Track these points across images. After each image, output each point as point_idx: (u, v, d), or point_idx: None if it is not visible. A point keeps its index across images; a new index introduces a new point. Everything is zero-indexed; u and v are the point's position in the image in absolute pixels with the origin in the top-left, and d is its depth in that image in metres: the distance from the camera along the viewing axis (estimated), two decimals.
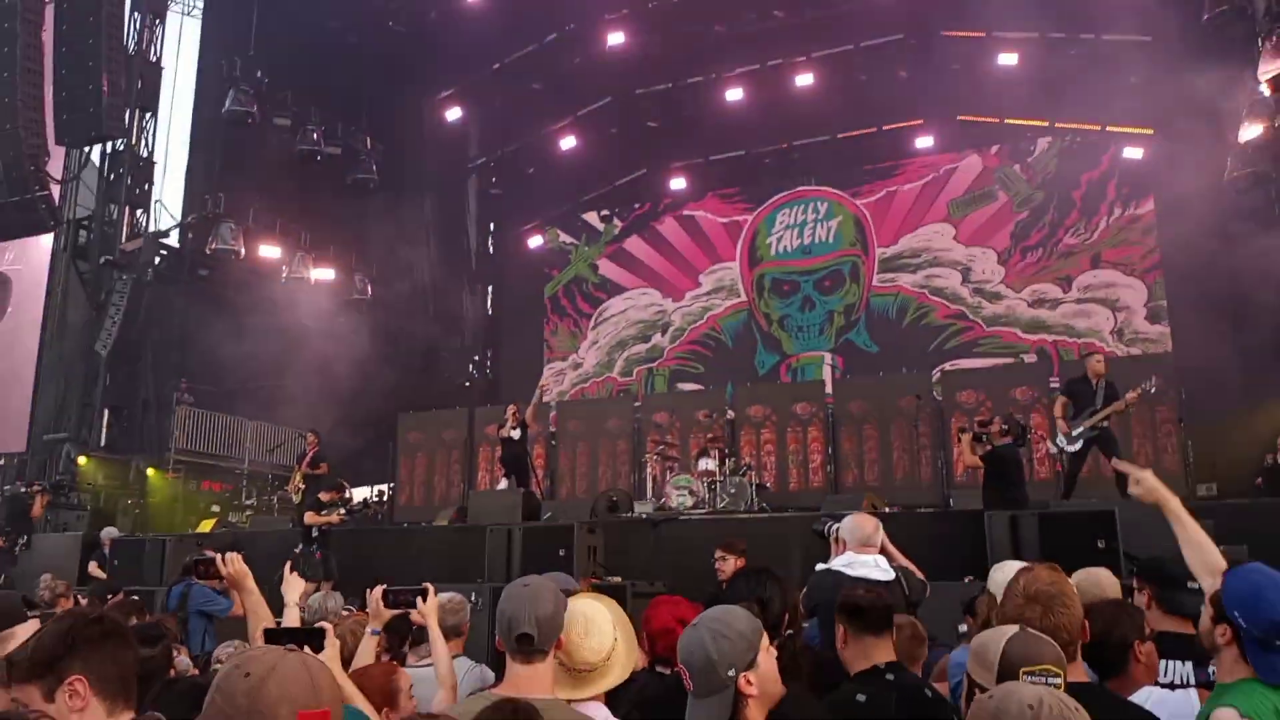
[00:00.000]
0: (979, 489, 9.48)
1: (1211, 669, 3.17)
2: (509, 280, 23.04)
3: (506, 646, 2.53)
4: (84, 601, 7.47)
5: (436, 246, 21.02)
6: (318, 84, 18.40)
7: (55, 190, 15.86)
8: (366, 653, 3.67)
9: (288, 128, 18.06)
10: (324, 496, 10.19)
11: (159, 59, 17.75)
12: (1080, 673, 2.76)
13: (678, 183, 21.04)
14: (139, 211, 17.31)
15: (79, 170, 17.24)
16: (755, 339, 19.94)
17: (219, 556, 3.77)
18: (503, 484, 12.06)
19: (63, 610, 3.99)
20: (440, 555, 10.43)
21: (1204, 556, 2.89)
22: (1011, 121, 18.43)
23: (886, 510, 10.67)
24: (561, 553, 8.22)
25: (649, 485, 13.10)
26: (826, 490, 13.67)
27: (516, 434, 12.48)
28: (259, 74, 17.62)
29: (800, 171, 20.15)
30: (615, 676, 2.68)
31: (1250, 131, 14.59)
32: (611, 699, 3.15)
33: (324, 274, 18.35)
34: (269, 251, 17.86)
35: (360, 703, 2.94)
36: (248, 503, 15.62)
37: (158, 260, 16.94)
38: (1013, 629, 2.33)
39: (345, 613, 5.11)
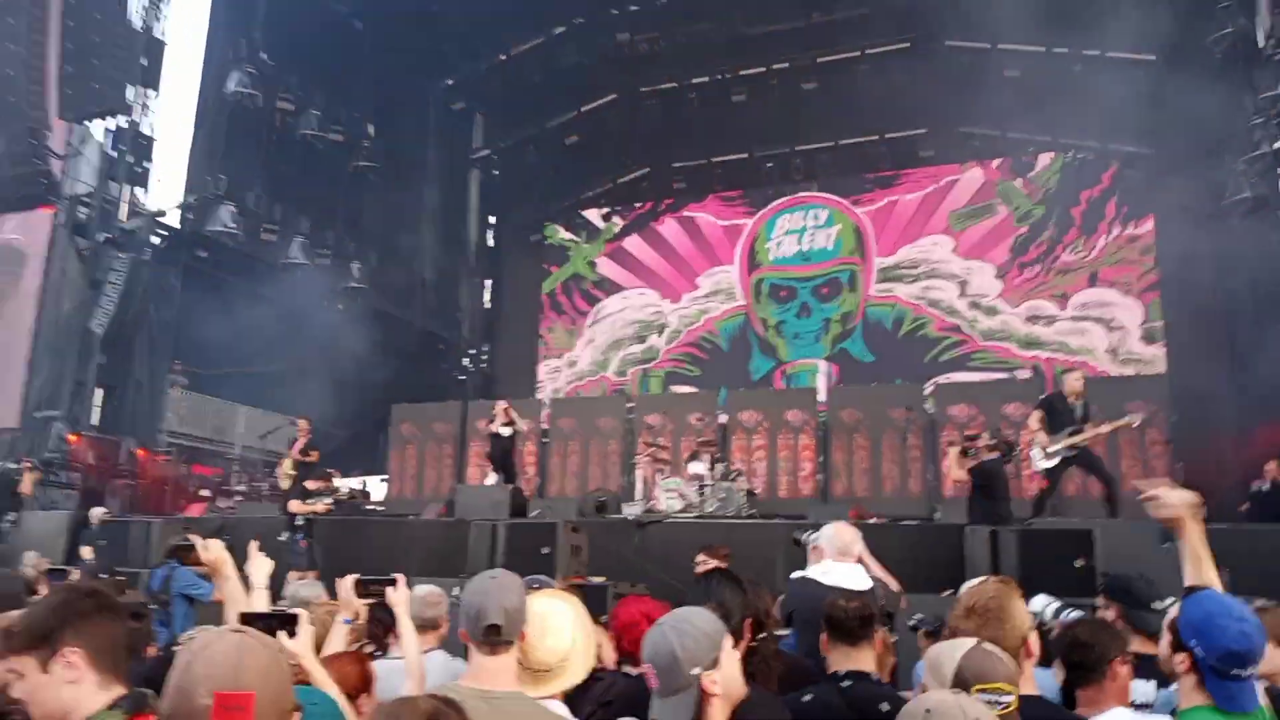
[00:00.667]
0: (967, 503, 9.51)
1: (1173, 688, 3.22)
2: (508, 275, 23.02)
3: (472, 638, 2.55)
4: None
5: (436, 238, 21.02)
6: (323, 69, 18.39)
7: (56, 165, 15.84)
8: (336, 642, 3.68)
9: (291, 111, 18.04)
10: (310, 485, 10.19)
11: (164, 35, 17.70)
12: (1031, 685, 2.80)
13: (680, 183, 21.05)
14: (139, 190, 17.24)
15: (81, 146, 17.19)
16: (751, 344, 19.95)
17: (200, 542, 3.79)
18: (491, 479, 12.08)
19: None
20: (426, 548, 10.43)
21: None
22: (1014, 135, 18.45)
23: (871, 521, 10.69)
24: (545, 550, 8.25)
25: (639, 486, 13.11)
26: (816, 498, 13.70)
27: (506, 431, 12.52)
28: (264, 56, 17.60)
29: (802, 177, 20.15)
30: (572, 677, 2.70)
31: (1249, 154, 14.63)
32: (577, 697, 3.19)
33: (322, 260, 18.33)
34: (268, 235, 17.84)
35: (331, 689, 2.96)
36: (237, 488, 15.61)
37: (156, 240, 16.89)
38: (969, 643, 2.35)
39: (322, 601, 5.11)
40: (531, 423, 14.93)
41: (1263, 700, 2.46)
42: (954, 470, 9.54)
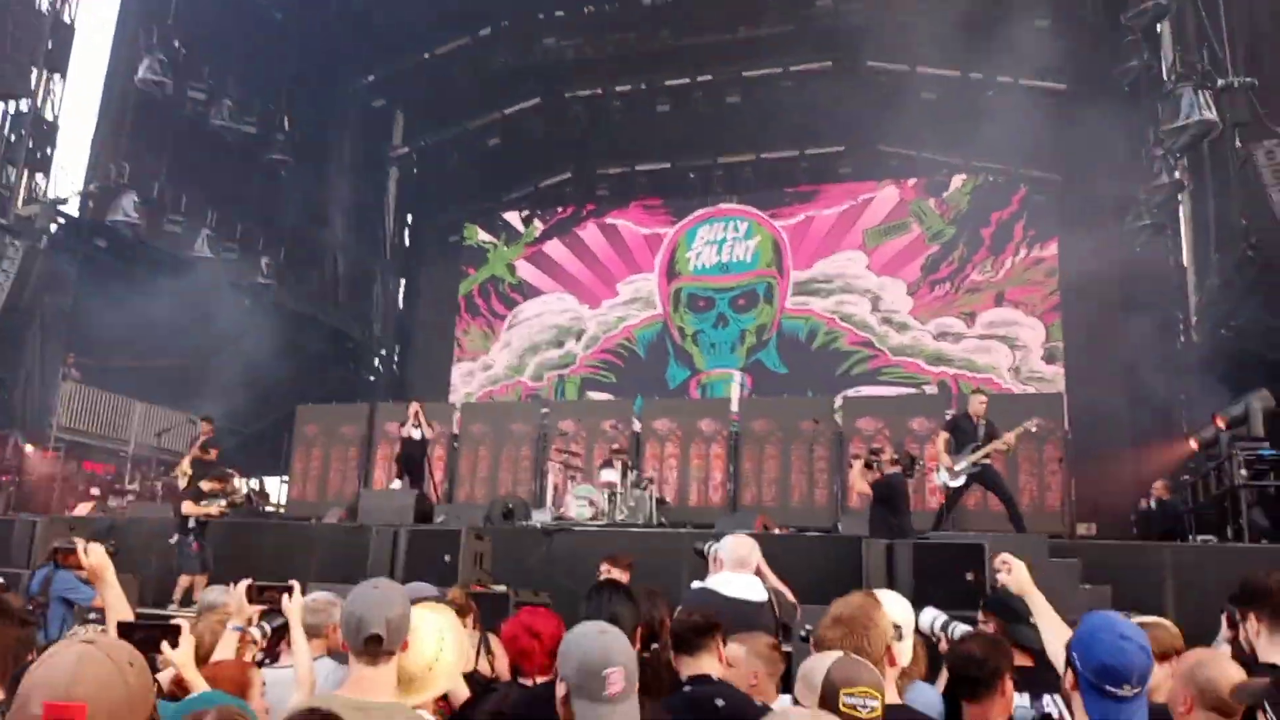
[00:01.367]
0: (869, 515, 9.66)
1: (1046, 701, 3.29)
2: (423, 275, 22.69)
3: (352, 648, 2.53)
4: None
5: (350, 235, 20.61)
6: (237, 59, 17.87)
7: None
8: (227, 649, 3.61)
9: (202, 101, 17.49)
10: (205, 486, 9.84)
11: (73, 20, 17.03)
12: (894, 694, 2.89)
13: (602, 189, 21.05)
14: (38, 175, 16.56)
15: None
16: (668, 352, 20.03)
17: (81, 545, 3.66)
18: (396, 484, 11.85)
19: None
20: (325, 553, 10.18)
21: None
22: (928, 156, 18.91)
23: (777, 532, 10.79)
24: (447, 558, 8.10)
25: (550, 493, 13.02)
26: (725, 508, 13.77)
27: (417, 434, 12.31)
28: (176, 43, 17.04)
29: (723, 189, 20.34)
30: (437, 687, 2.74)
31: (1150, 184, 15.25)
32: (469, 709, 3.16)
33: (229, 254, 17.79)
34: (172, 227, 17.24)
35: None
36: (130, 487, 15.02)
37: (54, 228, 16.20)
38: (838, 654, 2.38)
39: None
40: (443, 427, 14.69)
41: None
42: (858, 482, 9.72)
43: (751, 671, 3.49)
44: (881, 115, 17.52)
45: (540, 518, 11.66)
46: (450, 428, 15.48)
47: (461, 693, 3.43)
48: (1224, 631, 3.85)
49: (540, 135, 20.37)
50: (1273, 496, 10.11)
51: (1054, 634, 3.08)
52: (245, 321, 16.04)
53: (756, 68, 18.61)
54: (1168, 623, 3.61)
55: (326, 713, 2.13)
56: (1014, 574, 3.30)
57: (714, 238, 20.36)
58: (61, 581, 7.08)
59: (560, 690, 2.27)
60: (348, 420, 15.89)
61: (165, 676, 3.19)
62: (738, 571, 4.61)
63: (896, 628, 3.32)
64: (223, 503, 9.82)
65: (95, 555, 3.51)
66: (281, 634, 4.30)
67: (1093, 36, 16.08)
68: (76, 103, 17.57)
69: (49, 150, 16.67)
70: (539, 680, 3.23)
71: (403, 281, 22.78)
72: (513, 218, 21.92)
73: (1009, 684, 3.05)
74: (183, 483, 11.60)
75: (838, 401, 15.10)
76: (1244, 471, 10.17)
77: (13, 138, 16.27)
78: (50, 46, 16.39)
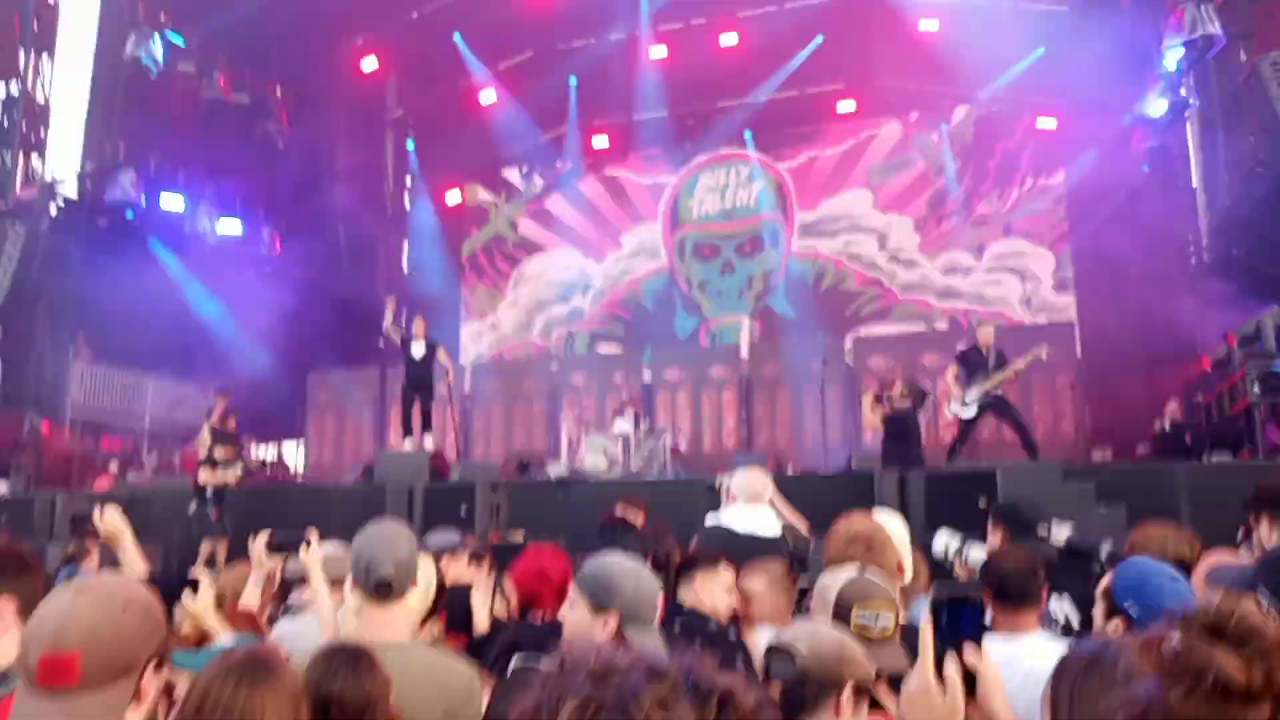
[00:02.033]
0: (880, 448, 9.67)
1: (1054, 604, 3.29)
2: (426, 237, 22.56)
3: (363, 590, 2.54)
4: None
5: (351, 202, 20.48)
6: (226, 29, 17.63)
7: None
8: (250, 600, 3.68)
9: (193, 75, 17.32)
10: (219, 455, 9.90)
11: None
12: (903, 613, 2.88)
13: (600, 141, 20.81)
14: (34, 157, 16.50)
15: None
16: (675, 302, 19.94)
17: (97, 511, 3.72)
18: (406, 444, 11.82)
19: None
20: (343, 514, 10.25)
21: None
22: (931, 88, 18.60)
23: (789, 471, 10.83)
24: (464, 510, 8.15)
25: (564, 446, 13.08)
26: (740, 452, 13.80)
27: (418, 351, 11.69)
28: (163, 17, 16.84)
29: (723, 134, 20.09)
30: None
31: (1156, 105, 15.00)
32: (483, 645, 3.21)
33: (230, 226, 17.75)
34: (172, 202, 17.19)
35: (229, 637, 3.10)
36: (148, 460, 15.16)
37: (54, 209, 16.17)
38: (852, 570, 2.37)
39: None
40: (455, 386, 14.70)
41: None
42: (868, 417, 9.71)
43: (776, 602, 3.53)
44: (881, 49, 17.23)
45: (555, 470, 11.73)
46: (462, 388, 15.52)
47: (480, 627, 3.49)
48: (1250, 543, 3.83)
49: (535, 89, 20.12)
50: None
51: None
52: (251, 292, 16.05)
53: (751, 7, 18.29)
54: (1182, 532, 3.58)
55: (356, 646, 2.14)
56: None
57: (716, 184, 20.18)
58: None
59: (611, 623, 2.30)
60: (359, 385, 15.96)
61: (188, 625, 3.24)
62: (751, 504, 4.62)
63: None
64: (238, 470, 9.89)
65: (111, 518, 3.58)
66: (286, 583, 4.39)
67: None
68: (67, 83, 17.45)
69: (43, 132, 16.60)
70: (547, 619, 3.32)
71: (406, 244, 22.67)
72: (513, 175, 21.76)
73: (1043, 595, 3.07)
74: (204, 453, 11.70)
75: (848, 343, 15.07)
76: (1257, 388, 10.12)
77: (5, 122, 16.19)
78: (36, 27, 16.26)
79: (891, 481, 7.93)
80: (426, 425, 11.86)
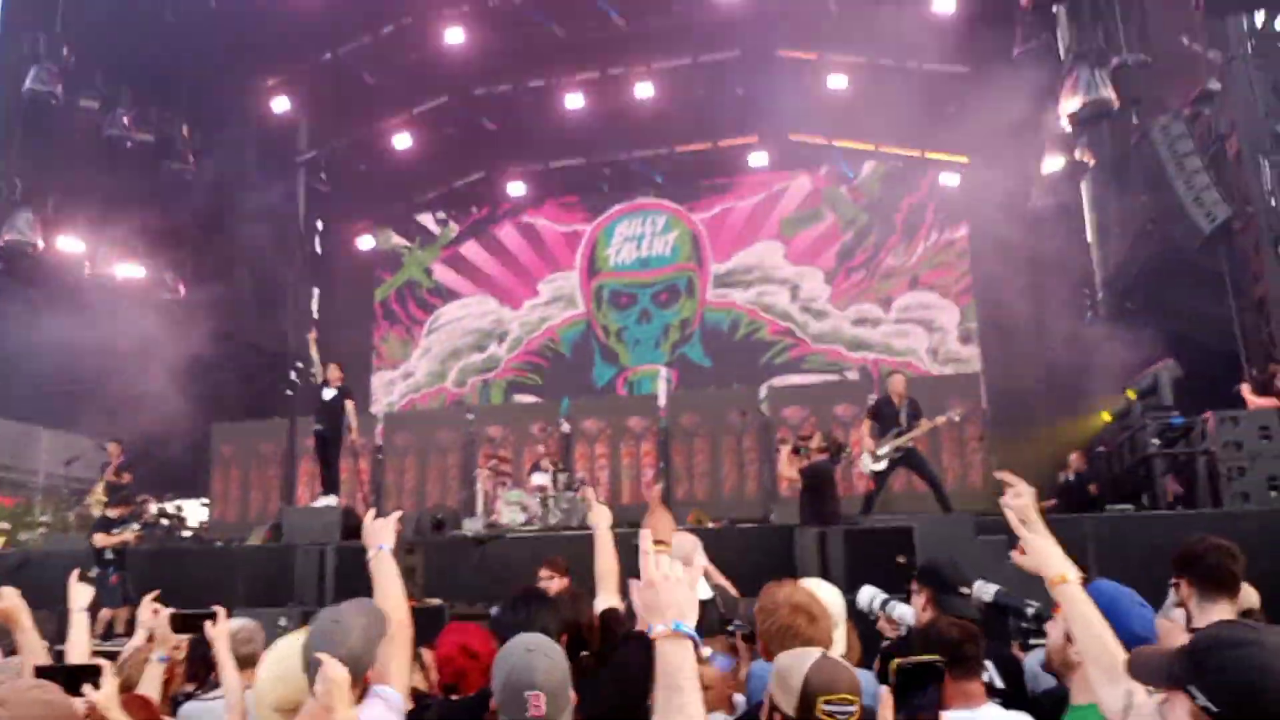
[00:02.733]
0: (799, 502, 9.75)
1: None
2: (337, 283, 22.13)
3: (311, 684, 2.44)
4: None
5: (259, 245, 19.96)
6: (131, 65, 17.13)
7: None
8: (151, 682, 3.53)
9: (95, 110, 16.73)
10: (112, 513, 9.43)
11: None
12: None
13: (516, 188, 20.81)
14: None
15: None
16: (593, 350, 19.93)
17: None
18: (323, 500, 11.48)
19: None
20: (250, 576, 9.88)
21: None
22: (840, 143, 19.15)
23: (710, 525, 10.83)
24: None
25: (480, 501, 12.84)
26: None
27: (330, 395, 11.56)
28: (65, 51, 16.27)
29: (639, 183, 20.31)
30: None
31: (1052, 163, 15.68)
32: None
33: (133, 270, 17.11)
34: (71, 244, 16.50)
35: None
36: (41, 519, 14.38)
37: None
38: (815, 653, 2.34)
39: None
40: (364, 439, 14.36)
41: None
42: (786, 469, 9.80)
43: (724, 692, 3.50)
44: (792, 104, 17.67)
45: (472, 526, 11.51)
46: (373, 439, 15.16)
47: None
48: (1171, 598, 3.91)
49: (450, 134, 20.04)
50: (1184, 463, 10.50)
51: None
52: (152, 338, 15.44)
53: (666, 59, 18.59)
54: None
55: None
56: (1022, 499, 2.65)
57: (632, 233, 20.33)
58: None
59: (492, 704, 2.30)
60: (266, 436, 15.45)
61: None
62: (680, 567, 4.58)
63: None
64: (135, 527, 9.44)
65: (8, 600, 3.40)
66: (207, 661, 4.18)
67: (991, 19, 16.40)
68: None
69: None
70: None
71: (315, 290, 22.17)
72: (427, 220, 21.56)
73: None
74: (97, 511, 11.16)
75: (763, 391, 15.23)
76: (1156, 440, 10.55)
77: None
78: None
79: (812, 537, 8.00)
80: (328, 476, 11.56)
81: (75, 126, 16.64)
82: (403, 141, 19.83)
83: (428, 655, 4.06)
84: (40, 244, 15.69)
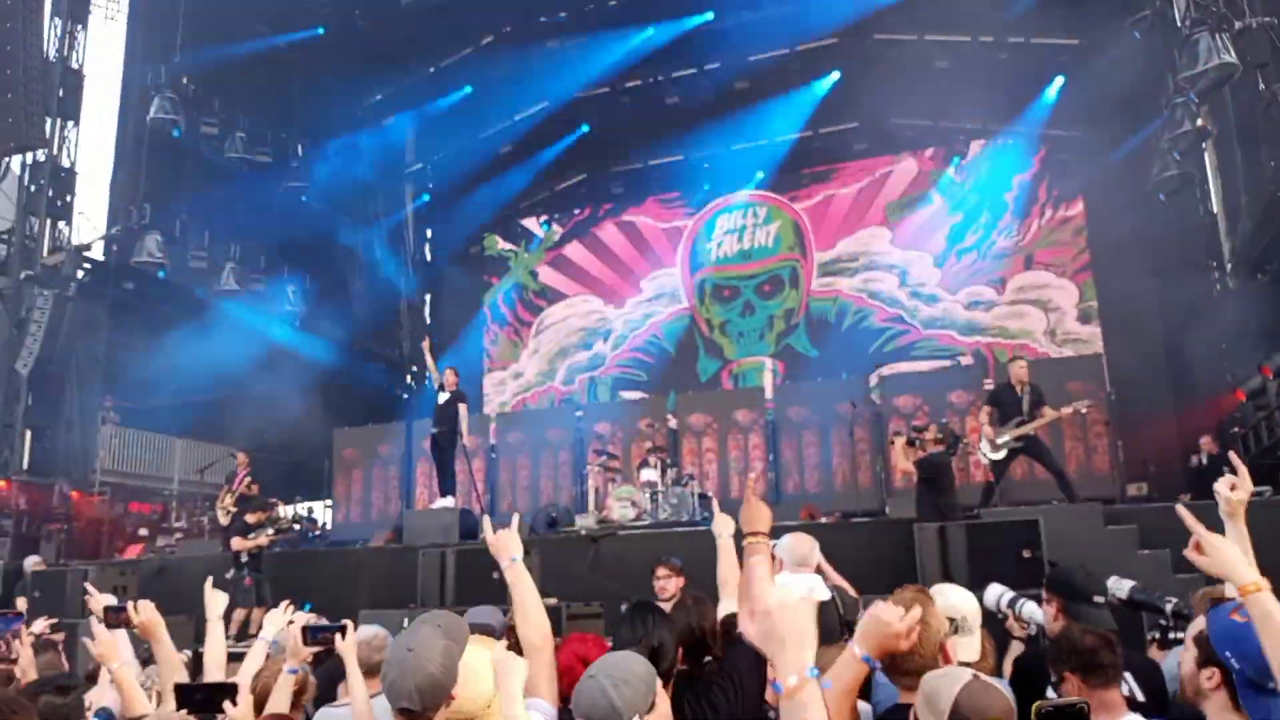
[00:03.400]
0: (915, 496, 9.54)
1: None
2: (447, 289, 22.73)
3: (393, 706, 2.48)
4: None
5: (373, 255, 20.68)
6: (246, 90, 17.96)
7: None
8: (283, 693, 3.57)
9: (215, 136, 17.61)
10: (250, 519, 9.90)
11: (81, 66, 17.23)
12: None
13: (617, 187, 20.96)
14: (61, 224, 16.79)
15: None
16: (697, 345, 19.93)
17: (130, 604, 3.64)
18: (441, 501, 11.79)
19: None
20: (374, 577, 10.22)
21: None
22: (945, 124, 18.63)
23: (823, 521, 10.70)
24: (495, 575, 8.04)
25: (591, 497, 13.00)
26: (768, 497, 13.68)
27: (444, 398, 11.73)
28: (184, 80, 17.16)
29: (739, 176, 20.17)
30: None
31: (1172, 132, 14.92)
32: None
33: (256, 285, 17.93)
34: (197, 264, 17.41)
35: None
36: (177, 525, 15.19)
37: (81, 274, 16.40)
38: (965, 674, 2.25)
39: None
40: (478, 439, 14.70)
41: None
42: (900, 461, 9.60)
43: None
44: (893, 87, 17.29)
45: (584, 523, 11.65)
46: (487, 439, 15.50)
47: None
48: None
49: (552, 138, 20.31)
50: None
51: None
52: (276, 350, 16.16)
53: (761, 51, 18.40)
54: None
55: None
56: (1240, 494, 2.56)
57: (733, 226, 20.23)
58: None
59: None
60: (385, 440, 15.98)
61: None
62: (798, 571, 4.52)
63: (951, 621, 3.22)
64: (270, 531, 9.88)
65: (146, 613, 3.49)
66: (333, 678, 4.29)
67: None
68: (92, 148, 17.85)
69: (69, 197, 16.91)
70: None
71: (428, 297, 22.84)
72: (531, 224, 21.92)
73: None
74: (224, 519, 11.69)
75: (873, 380, 14.95)
76: None
77: (33, 188, 16.50)
78: (61, 94, 16.61)
79: (931, 533, 7.79)
80: (444, 479, 11.83)
81: (197, 152, 17.54)
82: (505, 147, 20.18)
83: None
84: (169, 265, 16.60)
